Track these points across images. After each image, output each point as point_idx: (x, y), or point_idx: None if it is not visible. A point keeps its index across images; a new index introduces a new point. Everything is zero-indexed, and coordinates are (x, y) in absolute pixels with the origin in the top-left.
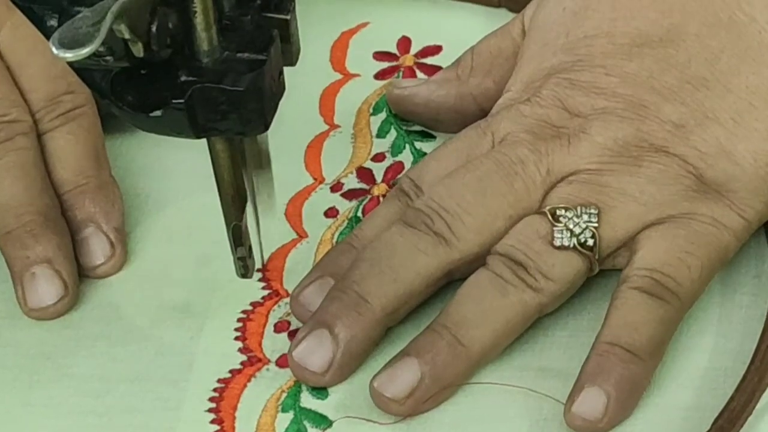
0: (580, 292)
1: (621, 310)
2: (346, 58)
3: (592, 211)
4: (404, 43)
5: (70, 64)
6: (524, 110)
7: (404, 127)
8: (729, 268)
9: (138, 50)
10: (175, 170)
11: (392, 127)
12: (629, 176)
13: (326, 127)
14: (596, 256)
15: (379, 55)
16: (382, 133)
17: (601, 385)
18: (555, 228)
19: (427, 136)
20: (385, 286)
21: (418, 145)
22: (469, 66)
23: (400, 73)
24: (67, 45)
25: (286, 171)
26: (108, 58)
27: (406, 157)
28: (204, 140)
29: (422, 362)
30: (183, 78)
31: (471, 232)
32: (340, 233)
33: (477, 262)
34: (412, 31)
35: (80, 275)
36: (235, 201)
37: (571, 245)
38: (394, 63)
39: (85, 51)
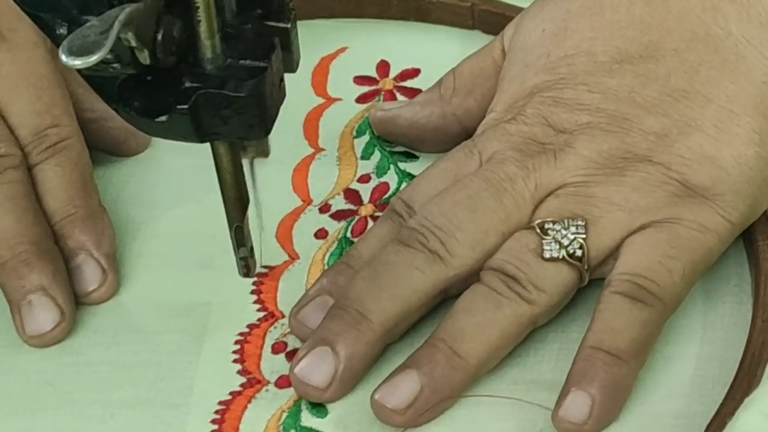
0: (569, 305)
1: (604, 314)
2: (327, 83)
3: (580, 222)
4: (383, 67)
5: (79, 70)
6: (510, 129)
7: (388, 149)
8: (712, 277)
9: (144, 58)
10: (164, 198)
11: (376, 148)
12: (614, 186)
13: (311, 150)
14: (585, 266)
15: (360, 80)
16: (366, 155)
17: (586, 388)
18: (544, 241)
19: (410, 156)
20: (385, 303)
21: (402, 165)
22: (451, 86)
23: (381, 97)
24: (76, 53)
25: (275, 194)
26: (115, 65)
27: (390, 177)
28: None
29: (421, 374)
30: (187, 84)
31: (465, 249)
32: (331, 254)
33: (471, 278)
34: (390, 55)
35: (76, 302)
36: (237, 203)
37: (561, 257)
38: (375, 87)
39: (94, 58)
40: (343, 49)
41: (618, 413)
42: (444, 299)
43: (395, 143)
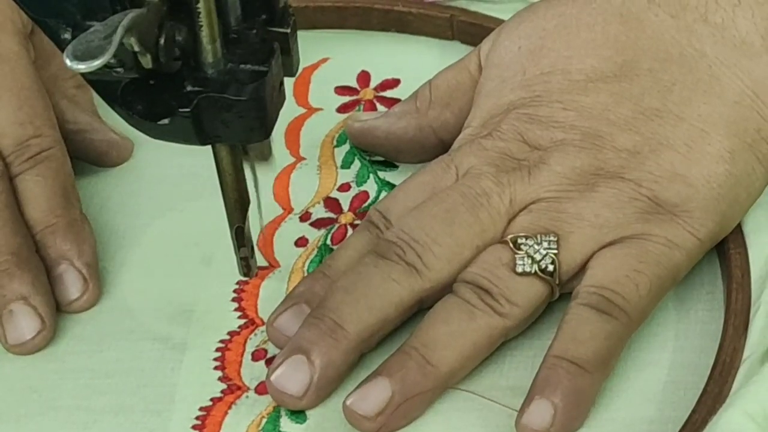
0: (545, 314)
1: (570, 325)
2: (308, 93)
3: (552, 238)
4: (364, 77)
5: (83, 74)
6: (486, 144)
7: (368, 158)
8: (684, 285)
9: (147, 62)
10: (147, 207)
11: (356, 158)
12: (585, 202)
13: (292, 159)
14: (557, 281)
15: (341, 90)
16: (346, 164)
17: (549, 396)
18: (517, 255)
19: (390, 165)
20: (360, 313)
21: (381, 174)
22: (427, 99)
23: (361, 107)
24: (80, 57)
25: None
26: (118, 69)
27: (370, 186)
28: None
29: (393, 381)
30: (189, 88)
31: (441, 262)
32: (311, 261)
33: (446, 290)
34: (370, 65)
35: (58, 311)
36: (237, 204)
37: (533, 271)
38: (355, 97)
39: (97, 63)
40: (324, 60)
41: (581, 422)
42: (419, 310)
43: (371, 153)
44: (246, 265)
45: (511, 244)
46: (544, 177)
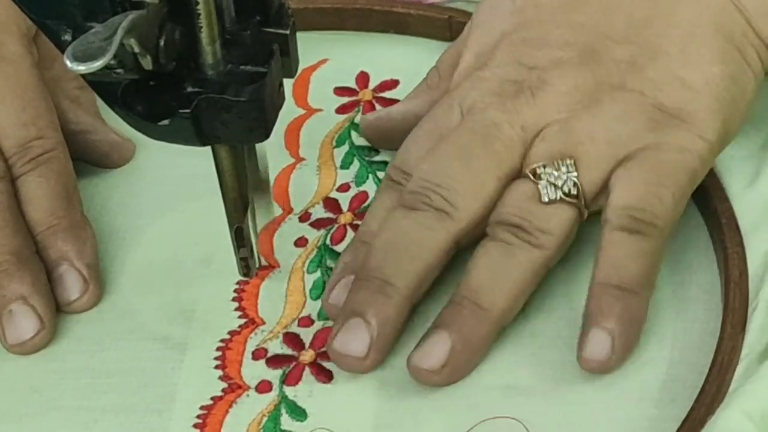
0: (539, 314)
1: (606, 252)
2: (308, 94)
3: (569, 162)
4: (363, 78)
5: (83, 75)
6: (483, 74)
7: (367, 158)
8: (682, 284)
9: (147, 63)
10: (149, 206)
11: (355, 158)
12: (594, 119)
13: (292, 160)
14: (582, 202)
15: (340, 91)
16: (345, 165)
17: (604, 324)
18: (539, 185)
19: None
20: (404, 266)
21: (380, 174)
22: (437, 76)
23: (360, 107)
24: (80, 58)
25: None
26: (119, 70)
27: (369, 186)
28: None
29: (451, 332)
30: (189, 89)
31: (467, 200)
32: (311, 261)
33: (479, 227)
34: (369, 66)
35: (58, 311)
36: (237, 204)
37: (558, 197)
38: (354, 98)
39: (98, 64)
40: (324, 61)
41: (636, 344)
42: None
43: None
44: (245, 266)
45: (531, 176)
46: (550, 98)
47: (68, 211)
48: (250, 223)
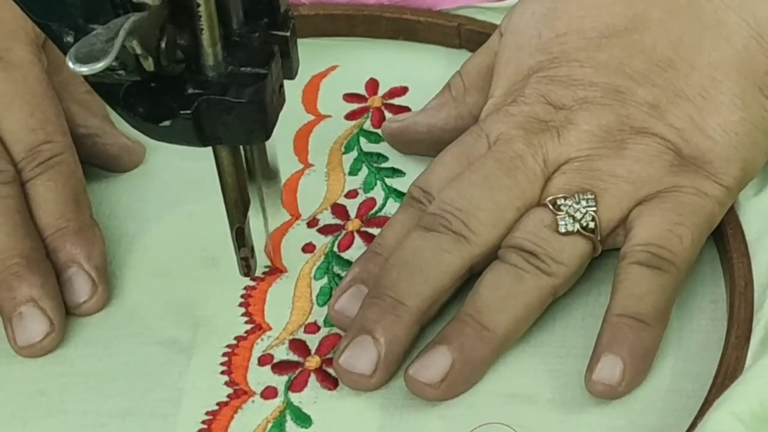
0: (545, 321)
1: (625, 284)
2: (317, 100)
3: (589, 196)
4: (372, 84)
5: (85, 77)
6: (512, 110)
7: (375, 165)
8: (687, 294)
9: (148, 65)
10: (156, 210)
11: (363, 164)
12: (616, 159)
13: (301, 166)
14: (598, 237)
15: (349, 97)
16: (354, 171)
17: (617, 352)
18: (558, 216)
19: (397, 172)
20: (418, 287)
21: (389, 181)
22: (461, 87)
23: (370, 114)
24: (82, 60)
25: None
26: (120, 72)
27: (377, 193)
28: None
29: (452, 348)
30: (190, 90)
31: (486, 227)
32: (318, 267)
33: (494, 253)
34: (379, 73)
35: (67, 314)
36: (238, 204)
37: (575, 230)
38: (364, 104)
39: (100, 65)
40: (334, 67)
41: (646, 375)
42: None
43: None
44: (246, 265)
45: (550, 206)
46: (574, 136)
47: (77, 214)
48: (262, 219)
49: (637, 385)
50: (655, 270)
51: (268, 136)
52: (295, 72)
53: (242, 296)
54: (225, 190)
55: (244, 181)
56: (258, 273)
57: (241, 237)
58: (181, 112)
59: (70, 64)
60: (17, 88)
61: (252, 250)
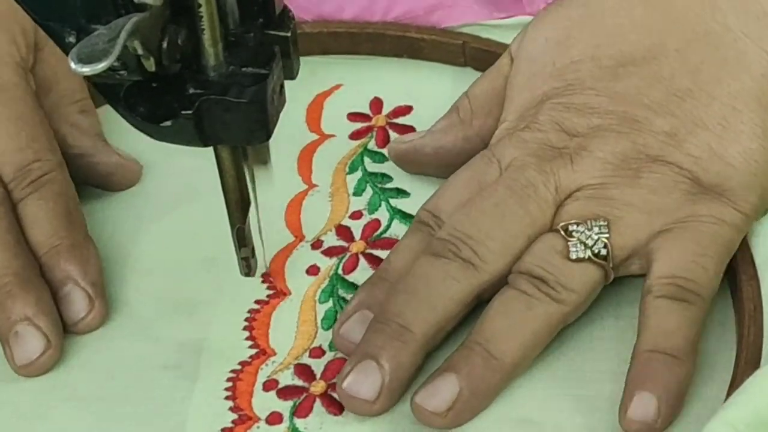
0: (553, 344)
1: (653, 319)
2: (321, 120)
3: (602, 223)
4: (376, 104)
5: (87, 77)
6: (525, 136)
7: (379, 185)
8: None
9: (150, 65)
10: (158, 232)
11: (368, 185)
12: (631, 188)
13: (305, 186)
14: (610, 264)
15: (353, 116)
16: (358, 192)
17: (651, 389)
18: (569, 242)
19: (402, 192)
20: (424, 314)
21: (393, 202)
22: (469, 110)
23: (374, 133)
24: (84, 60)
25: (268, 229)
26: (122, 72)
27: (382, 214)
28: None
29: (460, 377)
30: (191, 91)
31: (495, 255)
32: (323, 290)
33: (503, 281)
34: (383, 92)
35: (66, 332)
36: (238, 205)
37: (587, 257)
38: (368, 123)
39: (101, 66)
40: (338, 86)
41: (680, 413)
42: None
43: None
44: (246, 265)
45: (562, 232)
46: (587, 163)
47: (70, 231)
48: (254, 213)
49: (673, 421)
50: (682, 303)
51: (268, 136)
52: (296, 72)
53: (246, 320)
54: (225, 191)
55: (245, 181)
56: (262, 296)
57: (241, 237)
58: (182, 112)
59: (72, 65)
60: (3, 109)
61: (252, 250)
